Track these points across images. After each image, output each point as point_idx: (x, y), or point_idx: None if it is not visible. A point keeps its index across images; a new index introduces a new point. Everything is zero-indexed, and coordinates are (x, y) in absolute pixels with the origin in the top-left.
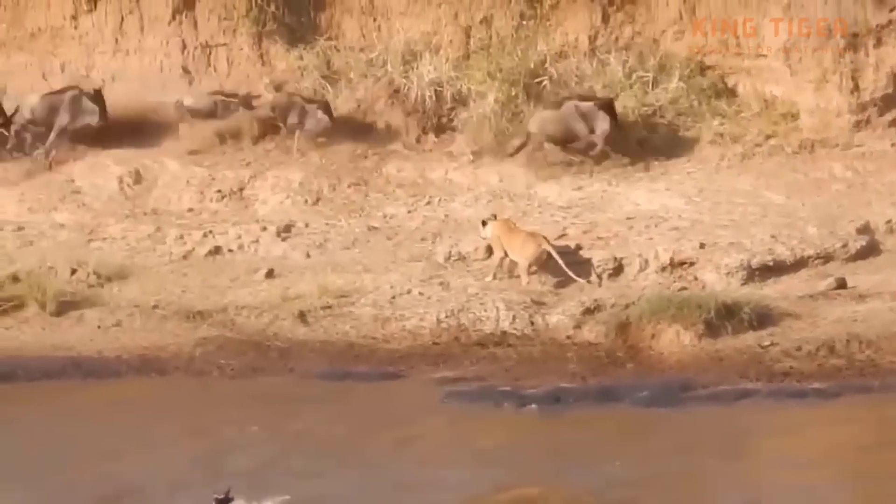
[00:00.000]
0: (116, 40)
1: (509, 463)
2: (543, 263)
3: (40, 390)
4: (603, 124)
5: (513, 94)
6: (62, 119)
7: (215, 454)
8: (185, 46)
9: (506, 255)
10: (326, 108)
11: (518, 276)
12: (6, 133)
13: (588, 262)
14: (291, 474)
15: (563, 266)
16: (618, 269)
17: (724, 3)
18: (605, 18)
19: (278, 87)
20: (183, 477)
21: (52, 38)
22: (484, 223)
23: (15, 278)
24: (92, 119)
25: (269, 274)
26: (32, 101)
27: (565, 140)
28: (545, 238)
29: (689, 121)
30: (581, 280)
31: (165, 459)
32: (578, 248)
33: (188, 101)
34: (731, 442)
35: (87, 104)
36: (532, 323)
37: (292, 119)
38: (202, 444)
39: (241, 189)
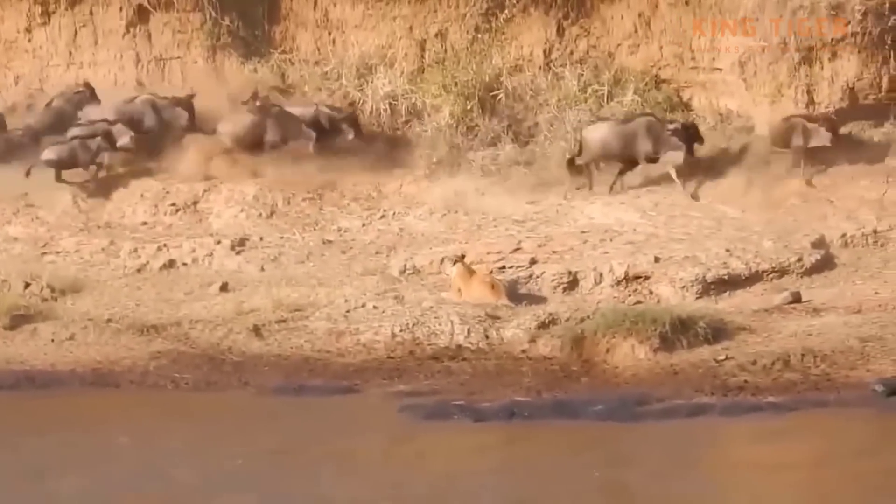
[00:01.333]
0: (70, 53)
1: (462, 477)
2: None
3: None
4: None
5: (468, 107)
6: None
7: (161, 467)
8: (139, 60)
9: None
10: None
11: None
12: None
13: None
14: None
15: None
16: (572, 283)
17: (679, 17)
18: (560, 32)
19: (232, 101)
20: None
21: (5, 50)
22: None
23: None
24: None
25: (224, 287)
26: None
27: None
28: (500, 286)
29: None
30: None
31: (108, 473)
32: (533, 261)
33: None
34: (685, 456)
35: None
36: (487, 337)
37: None
38: (148, 456)
39: (196, 202)
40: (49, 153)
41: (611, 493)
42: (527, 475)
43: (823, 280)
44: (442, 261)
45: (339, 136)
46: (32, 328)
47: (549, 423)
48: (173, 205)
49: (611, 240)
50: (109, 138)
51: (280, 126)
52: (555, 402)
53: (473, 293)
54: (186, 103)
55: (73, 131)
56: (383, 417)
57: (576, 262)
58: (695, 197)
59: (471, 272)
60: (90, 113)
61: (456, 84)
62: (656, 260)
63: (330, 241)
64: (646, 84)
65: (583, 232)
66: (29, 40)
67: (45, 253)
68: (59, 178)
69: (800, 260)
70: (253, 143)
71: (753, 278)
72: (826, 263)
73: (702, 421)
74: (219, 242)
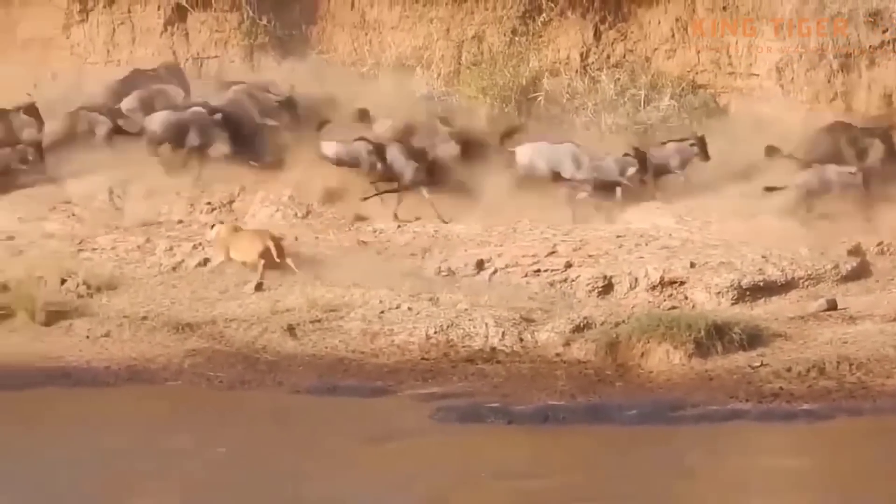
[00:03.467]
0: (108, 51)
1: (498, 481)
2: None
3: (28, 400)
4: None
5: (505, 110)
6: None
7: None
8: (176, 58)
9: (228, 258)
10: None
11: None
12: None
13: None
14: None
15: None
16: (607, 287)
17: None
18: (598, 36)
19: None
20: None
21: (43, 48)
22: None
23: (4, 288)
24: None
25: (259, 287)
26: None
27: None
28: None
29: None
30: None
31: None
32: (568, 265)
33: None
34: (719, 462)
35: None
36: (521, 340)
37: None
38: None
39: (231, 202)
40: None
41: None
42: (559, 478)
43: (859, 288)
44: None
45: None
46: (68, 324)
47: (583, 427)
48: (209, 203)
49: (646, 244)
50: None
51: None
52: (589, 406)
53: (242, 248)
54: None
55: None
56: (416, 419)
57: (611, 266)
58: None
59: (236, 229)
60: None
61: (493, 86)
62: (692, 265)
63: (365, 242)
64: (682, 89)
65: (618, 236)
66: (67, 38)
67: (81, 249)
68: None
69: (836, 267)
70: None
71: (789, 285)
72: (862, 271)
73: (735, 426)
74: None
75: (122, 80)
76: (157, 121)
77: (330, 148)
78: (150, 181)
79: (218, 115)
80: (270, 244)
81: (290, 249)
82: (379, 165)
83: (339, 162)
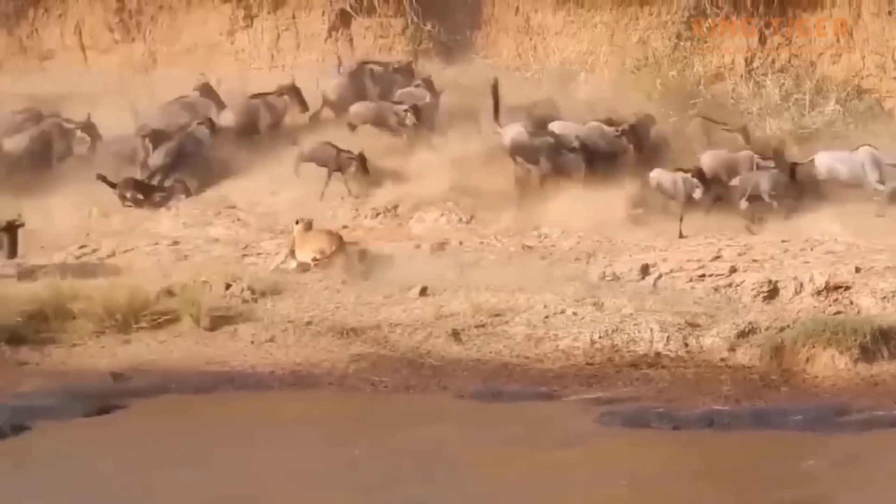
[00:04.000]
0: (272, 56)
1: (663, 486)
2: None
3: (192, 404)
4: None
5: (669, 114)
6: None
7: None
8: (340, 64)
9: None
10: None
11: None
12: None
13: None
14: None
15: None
16: (773, 292)
17: (881, 26)
18: (762, 40)
19: None
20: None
21: (208, 53)
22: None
23: (169, 293)
24: None
25: (423, 292)
26: None
27: None
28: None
29: (846, 144)
30: None
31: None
32: (733, 270)
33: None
34: (885, 468)
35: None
36: (686, 345)
37: None
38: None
39: (396, 206)
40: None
41: None
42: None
43: None
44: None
45: None
46: (233, 329)
47: (748, 433)
48: (374, 208)
49: (811, 249)
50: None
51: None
52: (754, 411)
53: (304, 249)
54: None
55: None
56: (582, 424)
57: (776, 271)
58: None
59: (308, 229)
60: None
61: (661, 89)
62: (857, 270)
63: (530, 247)
64: (847, 93)
65: (783, 241)
66: (231, 43)
67: (245, 254)
68: None
69: None
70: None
71: None
72: None
73: None
74: (418, 246)
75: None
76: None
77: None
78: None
79: None
80: (328, 247)
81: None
82: None
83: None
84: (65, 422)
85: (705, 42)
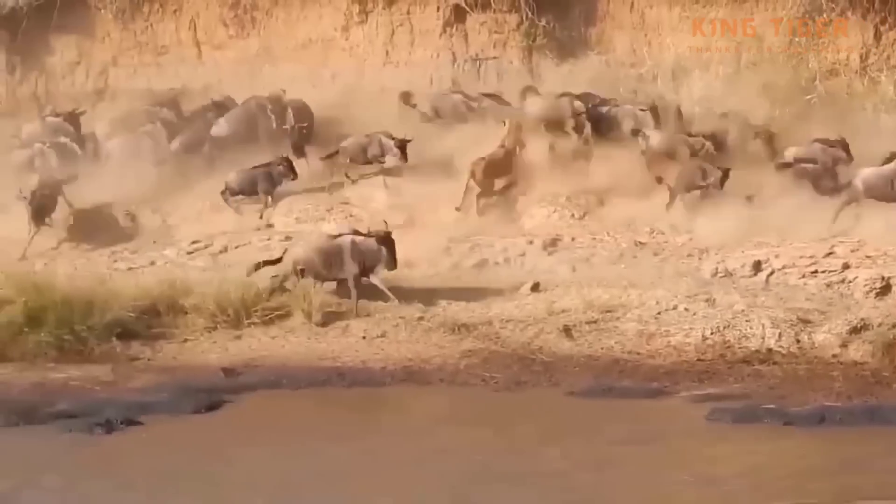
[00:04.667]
0: (387, 52)
1: (777, 482)
2: None
3: (305, 399)
4: None
5: (784, 111)
6: None
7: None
8: (455, 59)
9: None
10: None
11: None
12: None
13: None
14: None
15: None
16: (885, 289)
17: None
18: (878, 36)
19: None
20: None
21: (323, 48)
22: None
23: (282, 288)
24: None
25: (535, 287)
26: None
27: None
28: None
29: None
30: None
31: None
32: (846, 266)
33: None
34: None
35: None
36: (798, 341)
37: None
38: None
39: (508, 202)
40: None
41: None
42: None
43: None
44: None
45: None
46: (345, 325)
47: (860, 429)
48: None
49: None
50: None
51: None
52: (866, 407)
53: None
54: None
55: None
56: (692, 420)
57: (889, 267)
58: None
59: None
60: None
61: (776, 86)
62: None
63: (642, 243)
64: None
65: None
66: (346, 38)
67: None
68: None
69: None
70: None
71: None
72: None
73: None
74: (531, 242)
75: None
76: None
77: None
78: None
79: None
80: None
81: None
82: None
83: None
84: (176, 417)
85: (820, 38)
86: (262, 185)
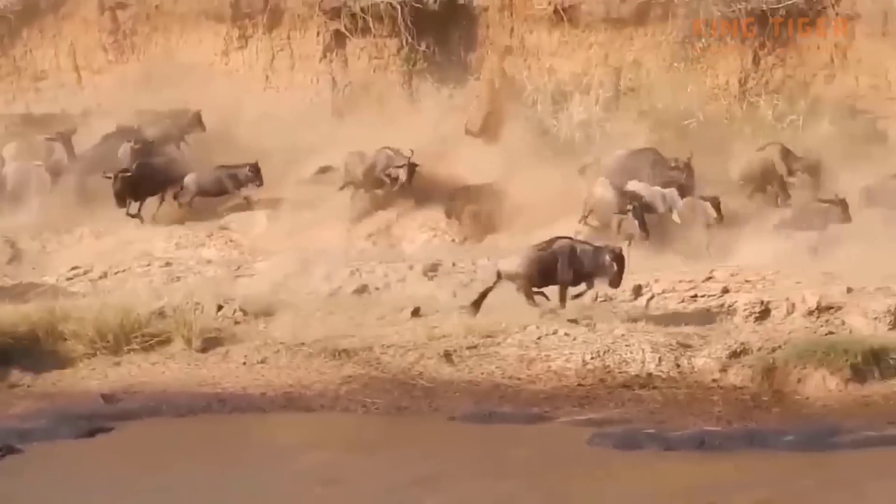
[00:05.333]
0: (266, 77)
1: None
2: None
3: (185, 426)
4: None
5: (664, 136)
6: None
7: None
8: (335, 84)
9: None
10: None
11: None
12: None
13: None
14: None
15: None
16: (765, 313)
17: (876, 47)
18: (756, 61)
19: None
20: None
21: (203, 73)
22: None
23: (162, 314)
24: None
25: (416, 312)
26: None
27: None
28: None
29: (839, 165)
30: None
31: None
32: (725, 290)
33: None
34: (877, 487)
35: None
36: (678, 366)
37: None
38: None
39: (389, 227)
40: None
41: None
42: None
43: None
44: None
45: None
46: (225, 351)
47: (739, 453)
48: (369, 233)
49: (803, 269)
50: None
51: None
52: (745, 431)
53: None
54: None
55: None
56: (573, 445)
57: (768, 291)
58: None
59: None
60: None
61: (652, 110)
62: (849, 290)
63: None
64: (841, 114)
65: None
66: (226, 63)
67: (238, 276)
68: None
69: None
70: None
71: None
72: None
73: (894, 451)
74: (411, 267)
75: None
76: None
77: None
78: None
79: None
80: None
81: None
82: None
83: None
84: (56, 444)
85: (699, 63)
86: (229, 184)
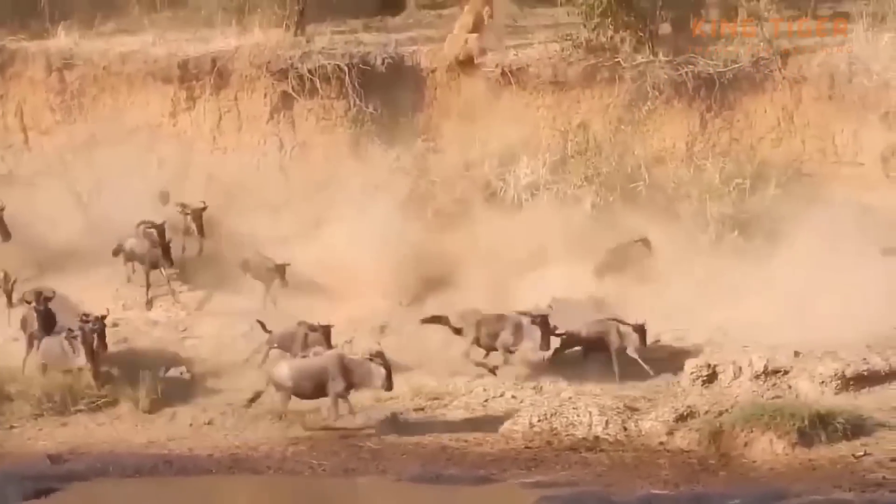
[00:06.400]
0: (214, 138)
1: None
2: None
3: (132, 487)
4: None
5: (610, 199)
6: None
7: None
8: (282, 145)
9: None
10: None
11: None
12: None
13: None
14: None
15: None
16: (712, 376)
17: (822, 110)
18: (703, 124)
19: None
20: None
21: (150, 134)
22: None
23: (108, 375)
24: None
25: None
26: None
27: None
28: None
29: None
30: None
31: None
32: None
33: None
34: None
35: None
36: (625, 428)
37: None
38: None
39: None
40: None
41: None
42: None
43: None
44: None
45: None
46: (172, 412)
47: None
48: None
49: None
50: None
51: None
52: (692, 495)
53: None
54: None
55: None
56: None
57: (715, 354)
58: None
59: None
60: None
61: (599, 174)
62: (796, 354)
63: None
64: (788, 177)
65: (720, 326)
66: (174, 125)
67: (185, 337)
68: None
69: None
70: None
71: (893, 374)
72: None
73: None
74: (357, 329)
75: None
76: None
77: None
78: None
79: None
80: None
81: None
82: None
83: None
84: None
85: (646, 126)
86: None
